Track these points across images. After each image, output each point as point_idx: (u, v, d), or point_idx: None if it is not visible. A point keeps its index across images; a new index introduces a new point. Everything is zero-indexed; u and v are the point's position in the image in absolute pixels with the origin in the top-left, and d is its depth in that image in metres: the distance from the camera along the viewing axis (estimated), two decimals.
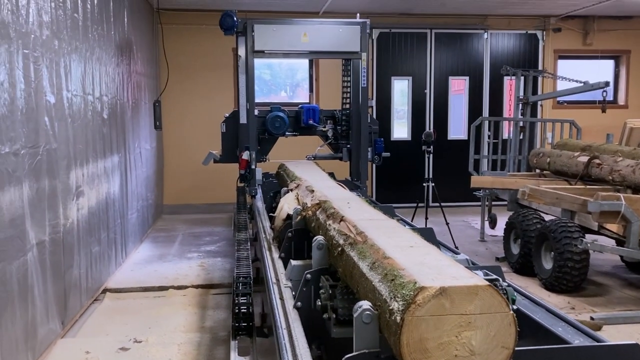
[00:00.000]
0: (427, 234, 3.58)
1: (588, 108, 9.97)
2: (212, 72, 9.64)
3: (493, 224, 7.83)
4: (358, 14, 6.71)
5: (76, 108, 4.76)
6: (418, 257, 2.08)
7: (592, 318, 4.69)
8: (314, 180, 4.44)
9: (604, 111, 7.01)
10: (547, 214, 6.24)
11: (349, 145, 6.83)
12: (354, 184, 6.35)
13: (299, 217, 3.51)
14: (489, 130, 8.23)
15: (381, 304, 1.85)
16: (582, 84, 7.38)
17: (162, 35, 8.55)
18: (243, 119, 6.39)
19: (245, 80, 6.31)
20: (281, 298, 2.86)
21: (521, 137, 8.18)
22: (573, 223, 5.40)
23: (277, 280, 3.13)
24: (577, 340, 2.32)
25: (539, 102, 10.14)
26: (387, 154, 7.01)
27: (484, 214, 7.88)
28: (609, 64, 10.97)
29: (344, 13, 8.88)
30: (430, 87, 10.31)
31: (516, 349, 1.74)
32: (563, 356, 2.16)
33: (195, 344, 4.24)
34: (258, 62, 6.36)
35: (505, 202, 7.12)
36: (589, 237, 5.23)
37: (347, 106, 6.87)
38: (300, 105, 7.12)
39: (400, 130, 10.42)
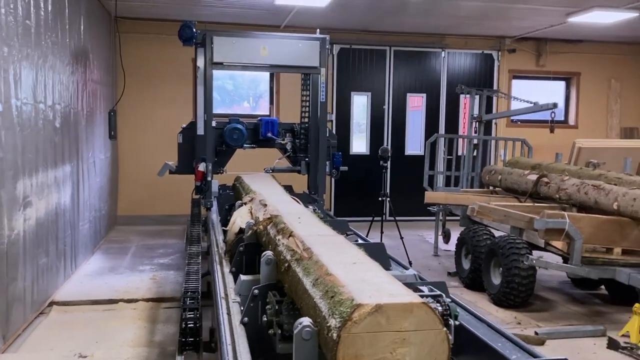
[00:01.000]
0: (378, 249, 3.64)
1: (540, 127, 10.29)
2: (170, 82, 9.56)
3: (447, 238, 7.97)
4: (318, 30, 6.78)
5: (26, 116, 4.65)
6: (359, 273, 2.11)
7: (536, 333, 4.82)
8: (269, 194, 4.43)
9: (552, 131, 7.26)
10: (497, 230, 6.39)
11: (307, 159, 6.86)
12: (311, 197, 6.38)
13: (251, 231, 3.50)
14: (445, 146, 8.41)
15: (321, 320, 1.87)
16: (532, 105, 7.64)
17: (119, 44, 8.45)
18: (200, 130, 6.36)
19: (203, 91, 6.29)
20: (228, 313, 2.84)
21: (475, 155, 8.39)
22: (521, 240, 5.55)
23: (226, 295, 3.11)
24: (515, 356, 2.40)
25: (494, 120, 10.43)
26: (345, 168, 7.08)
27: (438, 229, 8.01)
28: (561, 85, 11.39)
29: (305, 28, 8.96)
30: (388, 102, 10.48)
31: None
32: None
33: (143, 358, 4.16)
34: (221, 72, 6.37)
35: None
36: (536, 254, 5.39)
37: (306, 120, 6.92)
38: (259, 118, 7.13)
39: (359, 144, 10.54)
